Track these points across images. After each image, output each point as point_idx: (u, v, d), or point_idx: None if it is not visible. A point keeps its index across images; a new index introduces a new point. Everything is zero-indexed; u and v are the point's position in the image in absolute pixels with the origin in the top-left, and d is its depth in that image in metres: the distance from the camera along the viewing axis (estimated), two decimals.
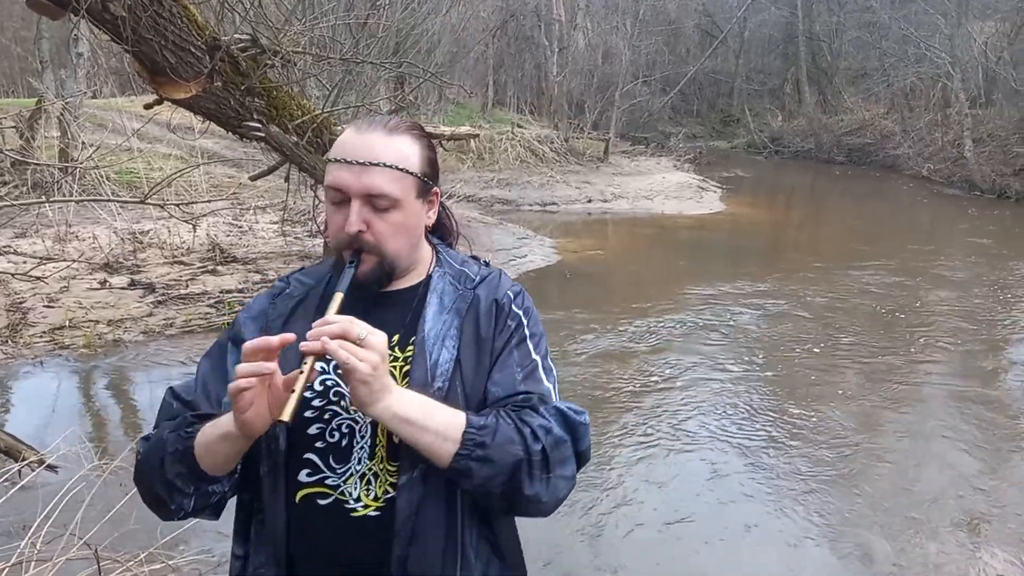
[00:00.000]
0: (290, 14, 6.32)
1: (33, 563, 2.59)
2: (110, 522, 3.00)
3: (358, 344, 1.04)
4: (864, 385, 5.53)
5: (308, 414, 1.17)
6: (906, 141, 18.66)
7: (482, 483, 1.11)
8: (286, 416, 1.02)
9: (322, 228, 1.39)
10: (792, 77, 25.58)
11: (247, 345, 1.06)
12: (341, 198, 1.16)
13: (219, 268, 7.62)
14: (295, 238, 8.80)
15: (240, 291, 6.95)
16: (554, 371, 1.25)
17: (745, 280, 8.37)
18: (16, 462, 3.37)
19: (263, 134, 4.58)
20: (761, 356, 6.08)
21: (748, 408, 5.10)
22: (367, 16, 8.93)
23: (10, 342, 5.72)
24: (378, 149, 1.16)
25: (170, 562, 2.91)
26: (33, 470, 3.23)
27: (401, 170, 1.17)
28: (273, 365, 1.05)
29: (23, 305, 6.38)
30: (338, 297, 1.12)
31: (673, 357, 6.00)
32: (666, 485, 4.10)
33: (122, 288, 6.92)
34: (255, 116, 4.59)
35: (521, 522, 1.29)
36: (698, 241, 11.27)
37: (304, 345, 1.04)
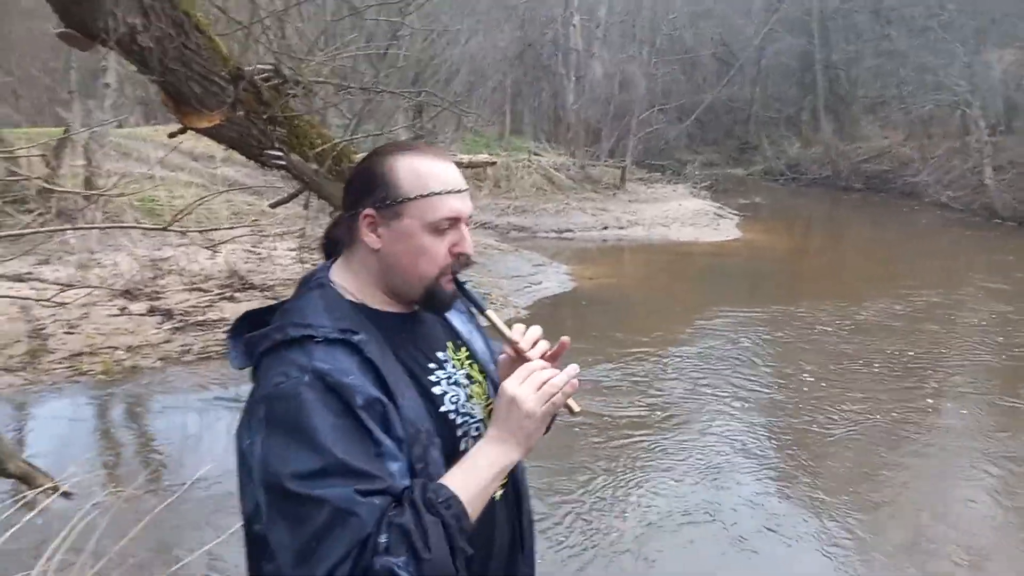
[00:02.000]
0: (312, 45, 6.42)
1: None
2: (123, 550, 2.98)
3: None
4: (883, 415, 5.41)
5: (458, 432, 1.22)
6: (925, 169, 18.53)
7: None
8: (578, 407, 1.18)
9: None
10: (809, 105, 25.57)
11: (537, 349, 1.21)
12: (448, 226, 1.21)
13: (237, 295, 7.67)
14: (313, 265, 8.85)
15: None
16: None
17: (763, 308, 8.28)
18: (31, 488, 3.37)
19: (284, 162, 4.62)
20: (778, 386, 5.99)
21: (763, 438, 5.01)
22: (387, 47, 9.06)
23: (29, 368, 5.76)
24: (461, 176, 1.25)
25: None
26: (48, 497, 3.23)
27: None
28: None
29: (43, 331, 6.44)
30: (493, 314, 1.26)
31: (688, 385, 5.92)
32: (676, 514, 4.02)
33: (141, 315, 6.98)
34: (276, 144, 4.65)
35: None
36: (715, 268, 11.20)
37: (543, 344, 1.22)
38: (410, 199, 1.18)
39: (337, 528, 0.99)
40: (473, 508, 1.08)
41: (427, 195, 1.18)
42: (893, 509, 4.16)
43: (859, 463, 4.70)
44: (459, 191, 1.21)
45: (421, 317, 1.28)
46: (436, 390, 1.21)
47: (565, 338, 1.23)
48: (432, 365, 1.24)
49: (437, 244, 1.20)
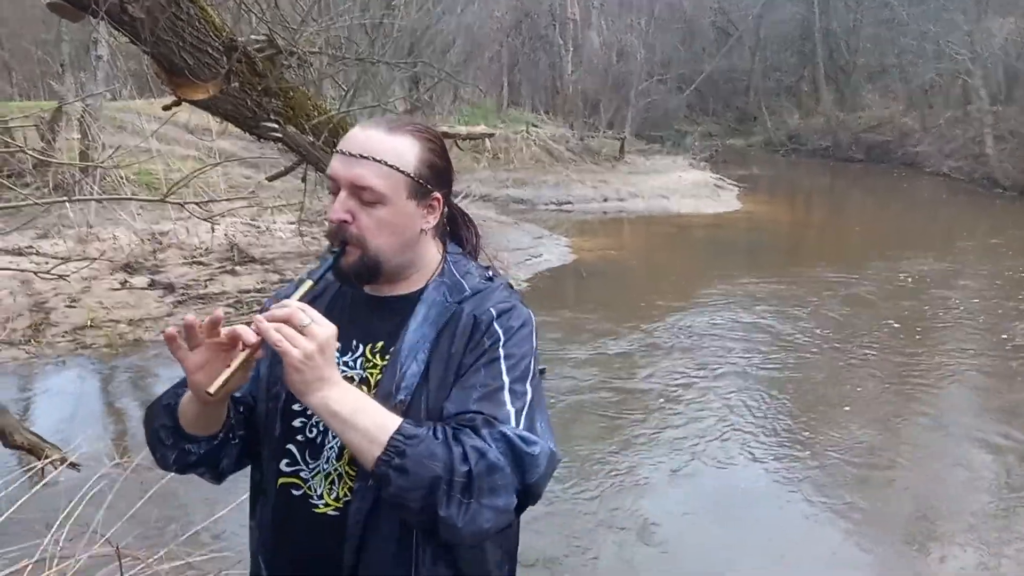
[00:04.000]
0: (306, 15, 6.34)
1: (56, 560, 2.61)
2: (131, 520, 3.03)
3: (300, 331, 1.04)
4: (884, 387, 5.46)
5: (296, 407, 1.21)
6: (926, 138, 18.44)
7: (398, 493, 1.05)
8: (212, 388, 1.04)
9: None
10: (809, 75, 25.36)
11: (272, 312, 1.06)
12: (335, 188, 1.19)
13: (237, 268, 7.68)
14: (312, 238, 8.84)
15: (258, 291, 6.99)
16: (528, 395, 1.16)
17: (763, 280, 8.30)
18: (39, 460, 3.41)
19: (280, 134, 4.60)
20: (778, 357, 6.02)
21: (764, 411, 5.05)
22: (382, 17, 8.95)
23: (33, 342, 5.79)
24: (372, 144, 1.17)
25: (189, 559, 2.93)
26: (56, 468, 3.27)
27: (390, 166, 1.16)
28: (222, 331, 1.07)
29: (45, 305, 6.46)
30: (306, 284, 1.12)
31: (689, 357, 5.96)
32: (678, 490, 4.07)
33: (142, 288, 6.99)
34: (272, 117, 4.61)
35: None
36: (715, 240, 11.20)
37: (239, 327, 1.06)
38: None
39: None
40: (182, 411, 1.18)
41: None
42: (898, 486, 4.21)
43: (864, 436, 4.74)
44: (342, 153, 1.18)
45: (389, 306, 1.23)
46: None
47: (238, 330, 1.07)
48: (338, 345, 1.17)
49: (331, 206, 1.19)
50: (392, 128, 1.19)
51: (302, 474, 1.22)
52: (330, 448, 1.19)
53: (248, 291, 6.99)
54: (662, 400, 5.16)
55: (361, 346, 1.22)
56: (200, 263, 7.79)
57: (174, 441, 1.21)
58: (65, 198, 6.13)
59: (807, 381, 5.50)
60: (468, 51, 16.11)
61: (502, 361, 1.16)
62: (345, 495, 1.18)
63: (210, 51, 4.18)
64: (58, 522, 2.74)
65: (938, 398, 5.28)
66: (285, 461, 1.23)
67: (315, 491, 1.20)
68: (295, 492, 1.22)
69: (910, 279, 8.35)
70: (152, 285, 7.07)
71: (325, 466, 1.20)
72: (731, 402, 5.12)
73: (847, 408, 5.06)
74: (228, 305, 6.68)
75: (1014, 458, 4.40)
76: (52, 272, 3.50)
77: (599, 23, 20.59)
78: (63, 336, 5.93)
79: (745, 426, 4.77)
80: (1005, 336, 6.50)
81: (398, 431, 1.06)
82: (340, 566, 1.17)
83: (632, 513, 3.79)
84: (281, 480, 1.23)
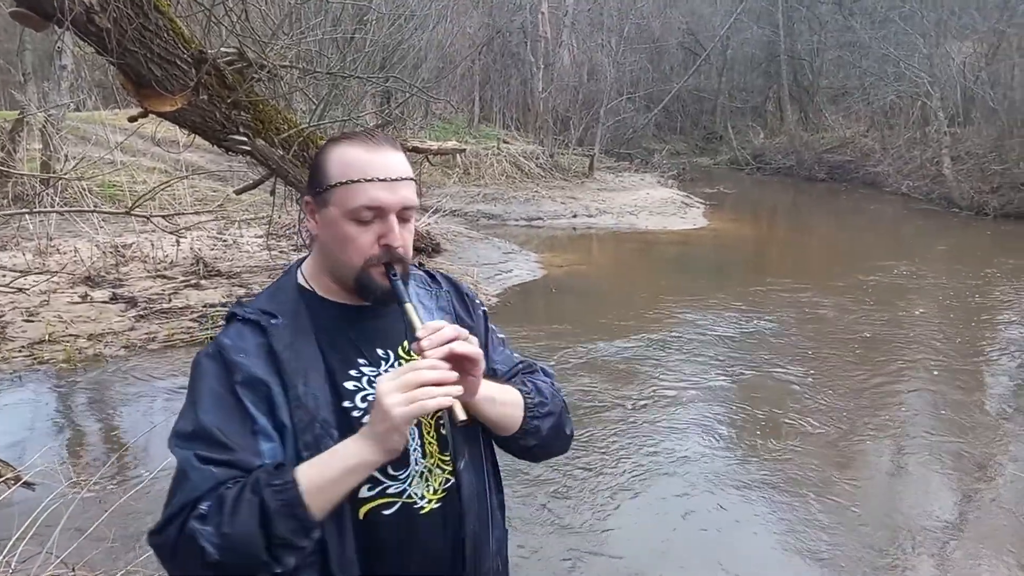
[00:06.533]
0: (277, 28, 6.32)
1: None
2: (88, 540, 2.95)
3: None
4: (846, 401, 5.55)
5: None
6: (886, 159, 18.91)
7: (546, 434, 1.32)
8: (464, 415, 1.10)
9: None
10: (774, 95, 25.90)
11: (443, 334, 1.13)
12: (372, 216, 1.19)
13: (202, 282, 7.56)
14: (280, 252, 8.75)
15: (223, 305, 6.89)
16: None
17: (729, 296, 8.41)
18: None
19: (249, 147, 4.57)
20: (744, 372, 6.10)
21: (730, 426, 5.11)
22: (354, 31, 8.95)
23: None
24: (400, 165, 1.22)
25: None
26: (9, 487, 3.18)
27: (414, 180, 1.25)
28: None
29: (2, 319, 6.29)
30: (411, 308, 1.19)
31: (657, 373, 6.01)
32: (645, 504, 4.08)
33: (103, 302, 6.85)
34: (241, 130, 4.58)
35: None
36: (682, 256, 11.33)
37: (456, 345, 1.13)
38: (331, 186, 1.20)
39: (178, 487, 1.09)
40: (313, 499, 1.06)
41: (346, 183, 1.18)
42: (863, 496, 4.28)
43: (828, 448, 4.81)
44: (384, 180, 1.18)
45: (380, 312, 1.26)
46: (349, 384, 1.20)
47: (477, 352, 1.16)
48: (361, 360, 1.23)
49: (361, 233, 1.19)
50: (394, 145, 1.25)
51: (390, 490, 1.20)
52: (414, 450, 1.22)
53: (213, 305, 6.88)
54: (626, 413, 5.18)
55: (389, 352, 1.26)
56: (164, 276, 7.66)
57: (308, 537, 1.08)
58: (26, 210, 6.00)
59: (772, 393, 5.57)
60: (440, 67, 16.17)
61: (491, 323, 1.44)
62: (444, 482, 1.24)
63: (179, 63, 4.14)
64: (11, 543, 2.66)
65: (899, 413, 5.38)
66: (366, 487, 1.17)
67: (416, 495, 1.22)
68: (387, 511, 1.19)
69: (872, 292, 8.53)
70: (114, 299, 6.93)
71: (416, 468, 1.22)
72: (693, 418, 5.16)
73: (809, 423, 5.13)
74: (192, 320, 6.57)
75: (972, 468, 4.50)
76: (11, 285, 3.42)
77: (570, 41, 20.82)
78: (19, 351, 5.77)
79: (708, 438, 4.81)
80: (964, 349, 6.67)
81: (525, 392, 1.31)
82: (457, 548, 1.24)
83: (588, 526, 3.79)
84: (365, 508, 1.18)
